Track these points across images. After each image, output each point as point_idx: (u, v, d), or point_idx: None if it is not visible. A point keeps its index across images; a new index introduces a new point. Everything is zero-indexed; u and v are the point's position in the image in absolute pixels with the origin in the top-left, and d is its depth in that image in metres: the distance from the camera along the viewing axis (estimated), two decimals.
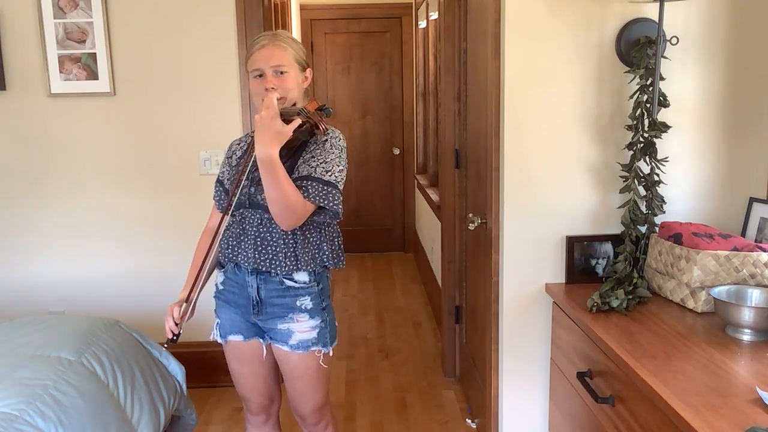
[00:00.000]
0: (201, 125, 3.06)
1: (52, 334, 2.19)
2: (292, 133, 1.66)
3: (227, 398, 3.12)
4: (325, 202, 1.74)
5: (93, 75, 2.99)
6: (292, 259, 1.79)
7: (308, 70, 1.87)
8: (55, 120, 3.05)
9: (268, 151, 1.62)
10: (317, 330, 1.85)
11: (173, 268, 3.15)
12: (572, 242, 2.04)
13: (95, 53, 2.97)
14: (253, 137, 1.96)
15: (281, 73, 1.77)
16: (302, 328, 1.84)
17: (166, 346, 1.85)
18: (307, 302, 1.83)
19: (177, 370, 2.48)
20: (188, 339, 3.13)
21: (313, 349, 1.85)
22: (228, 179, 1.92)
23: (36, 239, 3.14)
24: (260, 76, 1.78)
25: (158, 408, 2.26)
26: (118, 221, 3.13)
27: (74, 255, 3.15)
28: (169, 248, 3.15)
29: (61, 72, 2.97)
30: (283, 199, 1.66)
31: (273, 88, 1.75)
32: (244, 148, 1.94)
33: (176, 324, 1.81)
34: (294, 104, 1.79)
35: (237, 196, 1.83)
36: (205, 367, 3.11)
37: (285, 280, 1.81)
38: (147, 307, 3.18)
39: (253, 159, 1.75)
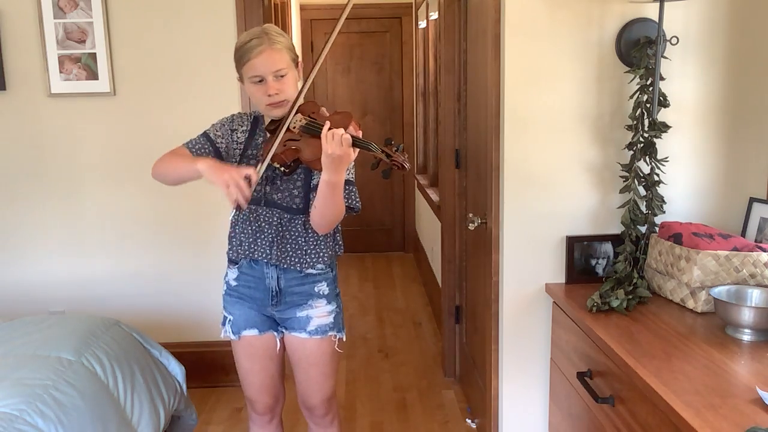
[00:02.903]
0: (201, 125, 3.03)
1: (52, 334, 2.19)
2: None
3: (227, 398, 3.11)
4: (350, 202, 1.82)
5: (93, 75, 2.99)
6: (314, 255, 1.86)
7: (299, 64, 1.87)
8: (55, 120, 3.04)
9: (338, 178, 1.68)
10: (333, 315, 1.92)
11: (173, 268, 3.15)
12: (572, 242, 2.04)
13: (95, 53, 2.96)
14: (252, 122, 1.92)
15: (281, 76, 1.77)
16: (320, 313, 1.89)
17: (238, 211, 1.74)
18: (324, 288, 1.90)
19: (177, 370, 2.48)
20: (188, 339, 3.15)
21: (330, 333, 1.91)
22: (224, 149, 1.87)
23: (36, 239, 3.14)
24: (260, 81, 1.76)
25: (158, 408, 2.26)
26: (118, 221, 3.13)
27: (74, 255, 3.15)
28: (170, 248, 3.15)
29: (61, 72, 2.97)
30: (337, 212, 1.75)
31: (276, 93, 1.75)
32: (247, 135, 1.91)
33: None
34: (292, 105, 1.79)
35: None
36: (205, 367, 3.11)
37: (305, 269, 1.87)
38: (147, 307, 3.18)
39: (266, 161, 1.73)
